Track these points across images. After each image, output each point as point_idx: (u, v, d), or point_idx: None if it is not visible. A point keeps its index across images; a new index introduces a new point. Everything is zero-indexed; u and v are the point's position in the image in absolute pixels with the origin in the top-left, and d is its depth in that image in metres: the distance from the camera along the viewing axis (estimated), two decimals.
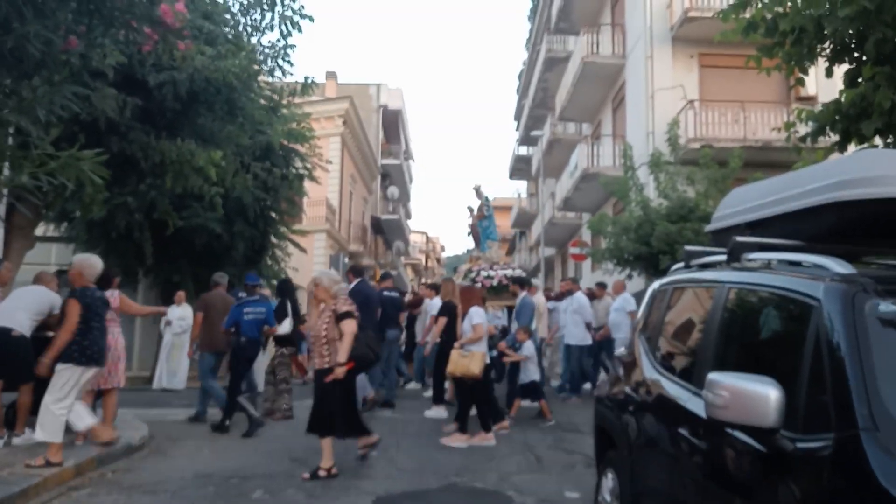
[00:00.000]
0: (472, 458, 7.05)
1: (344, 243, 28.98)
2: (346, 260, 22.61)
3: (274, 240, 14.88)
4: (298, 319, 9.49)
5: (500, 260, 14.78)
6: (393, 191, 39.73)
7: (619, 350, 4.82)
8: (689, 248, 4.18)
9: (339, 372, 6.12)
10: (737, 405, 2.31)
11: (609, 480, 4.12)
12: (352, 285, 9.73)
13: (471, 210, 14.91)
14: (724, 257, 3.48)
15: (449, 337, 8.92)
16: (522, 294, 10.87)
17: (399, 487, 5.90)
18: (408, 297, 13.29)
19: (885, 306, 2.28)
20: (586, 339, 11.13)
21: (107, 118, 7.83)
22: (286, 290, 9.57)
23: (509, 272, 13.89)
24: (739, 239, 3.29)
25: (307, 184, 15.29)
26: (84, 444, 6.72)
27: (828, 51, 6.70)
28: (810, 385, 2.31)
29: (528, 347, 9.17)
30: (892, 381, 2.10)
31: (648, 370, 3.86)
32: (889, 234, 3.12)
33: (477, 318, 8.08)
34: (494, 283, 13.61)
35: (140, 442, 7.32)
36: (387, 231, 41.42)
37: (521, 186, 46.91)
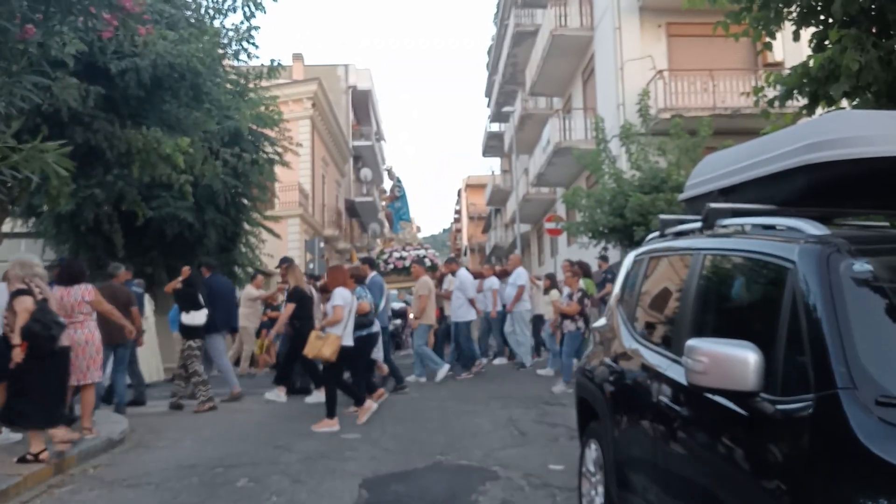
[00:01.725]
0: (456, 436, 7.08)
1: (318, 228, 28.80)
2: (322, 244, 22.45)
3: (247, 227, 14.72)
4: (225, 311, 9.44)
5: (412, 241, 14.90)
6: (366, 173, 39.47)
7: (598, 322, 4.84)
8: (663, 217, 4.19)
9: (16, 353, 5.78)
10: (716, 370, 2.32)
11: (592, 451, 4.15)
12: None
13: (383, 192, 15.05)
14: (698, 225, 3.49)
15: (301, 323, 9.15)
16: (461, 271, 12.07)
17: (385, 468, 5.91)
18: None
19: (860, 266, 2.29)
20: (469, 315, 11.64)
21: (69, 108, 7.65)
22: (195, 281, 9.34)
23: (422, 252, 14.07)
24: (713, 206, 3.30)
25: (278, 169, 15.12)
26: None
27: (794, 14, 6.71)
28: (788, 347, 2.32)
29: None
30: (869, 340, 2.12)
31: (627, 340, 3.88)
32: (860, 195, 3.14)
33: (338, 300, 7.80)
34: (407, 263, 13.78)
35: (120, 436, 7.24)
36: (362, 214, 41.20)
37: (495, 163, 46.84)
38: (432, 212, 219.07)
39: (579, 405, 4.61)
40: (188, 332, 9.05)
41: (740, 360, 2.26)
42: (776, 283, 2.52)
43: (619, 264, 5.53)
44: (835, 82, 6.01)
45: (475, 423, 7.69)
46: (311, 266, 18.62)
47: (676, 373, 2.89)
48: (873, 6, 6.00)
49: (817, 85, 6.36)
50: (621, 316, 4.13)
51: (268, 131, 14.32)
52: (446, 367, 11.21)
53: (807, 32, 6.75)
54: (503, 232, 42.31)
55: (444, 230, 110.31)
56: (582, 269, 12.24)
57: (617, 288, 4.48)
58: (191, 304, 9.01)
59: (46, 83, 7.14)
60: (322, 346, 7.64)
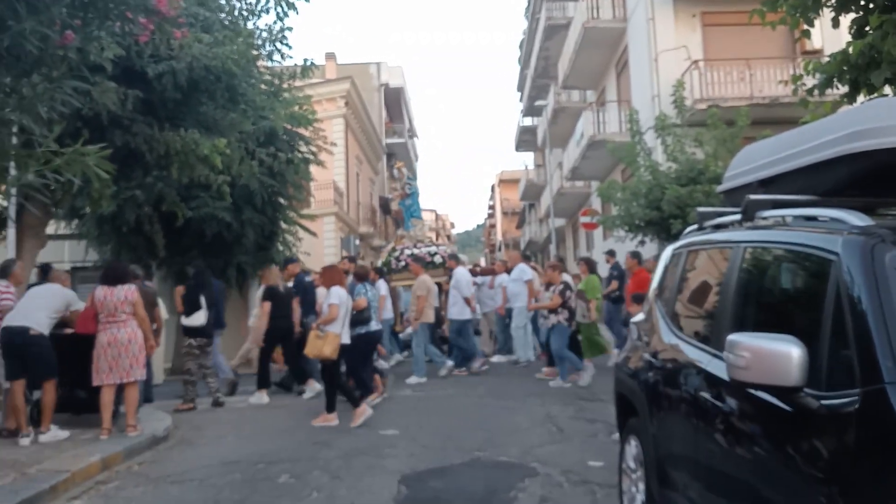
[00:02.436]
0: (494, 433, 7.08)
1: (353, 225, 28.97)
2: (357, 242, 22.60)
3: (283, 225, 14.86)
4: (216, 311, 9.44)
5: (424, 237, 14.81)
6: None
7: (636, 316, 4.79)
8: (701, 209, 4.13)
9: None
10: (758, 365, 2.28)
11: (632, 447, 4.11)
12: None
13: (394, 189, 14.94)
14: (737, 217, 3.44)
15: (275, 321, 9.34)
16: (458, 268, 12.06)
17: (423, 465, 5.93)
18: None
19: None
20: (464, 313, 11.55)
21: (109, 112, 7.80)
22: (200, 281, 9.47)
23: (433, 249, 13.99)
24: (752, 197, 3.24)
25: (313, 167, 15.23)
26: (109, 438, 6.80)
27: (833, 1, 6.57)
28: (832, 341, 2.28)
29: None
30: None
31: (667, 335, 3.84)
32: None
33: (333, 298, 7.90)
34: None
35: (164, 433, 7.39)
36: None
37: (528, 158, 46.65)
38: (466, 208, 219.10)
39: (618, 401, 4.58)
40: (188, 331, 9.19)
41: (783, 354, 2.22)
42: (819, 276, 2.47)
43: (656, 258, 5.47)
44: (876, 69, 5.88)
45: (513, 420, 7.68)
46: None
47: (717, 368, 2.85)
48: None
49: (858, 72, 6.22)
50: (660, 311, 4.09)
51: (302, 130, 14.43)
52: (450, 363, 11.18)
53: (846, 19, 6.60)
54: (538, 227, 42.13)
55: (479, 226, 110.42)
56: (588, 266, 12.15)
57: (655, 282, 4.43)
58: (191, 306, 9.16)
59: (86, 88, 7.28)
60: (322, 345, 7.74)
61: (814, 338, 2.31)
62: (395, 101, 40.83)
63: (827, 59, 6.73)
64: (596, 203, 22.94)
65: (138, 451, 6.69)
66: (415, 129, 49.37)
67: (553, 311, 9.99)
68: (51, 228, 10.29)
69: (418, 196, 15.93)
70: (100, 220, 11.88)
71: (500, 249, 64.59)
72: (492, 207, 77.99)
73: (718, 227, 3.75)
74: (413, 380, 10.65)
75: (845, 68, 6.35)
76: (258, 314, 11.52)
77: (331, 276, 8.38)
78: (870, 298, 2.18)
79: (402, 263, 14.03)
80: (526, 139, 41.79)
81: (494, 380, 10.75)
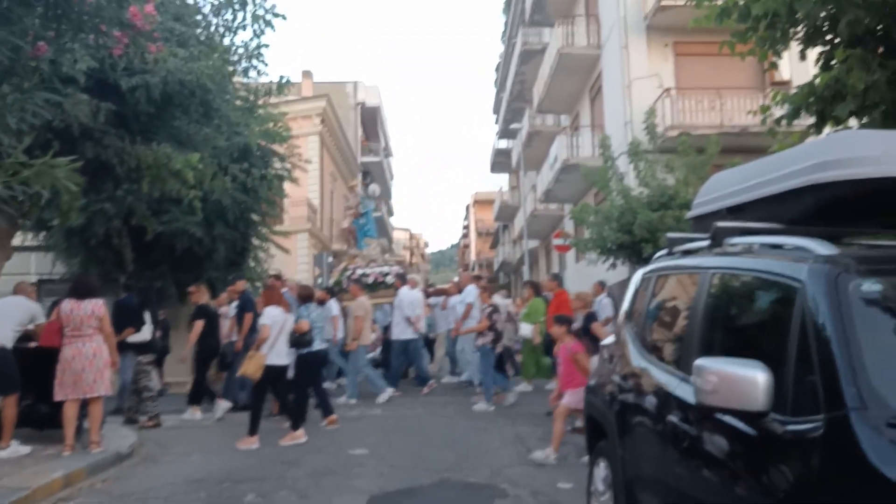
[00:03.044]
0: (463, 453, 7.06)
1: (327, 242, 28.87)
2: (331, 259, 22.49)
3: (256, 241, 14.75)
4: (160, 326, 9.39)
5: (377, 257, 14.79)
6: (374, 188, 39.39)
7: (606, 339, 4.83)
8: (671, 235, 4.20)
9: None
10: (725, 390, 2.32)
11: (601, 469, 4.14)
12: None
13: (348, 209, 14.85)
14: (706, 243, 3.50)
15: (206, 340, 9.48)
16: (402, 288, 12.08)
17: (392, 485, 5.90)
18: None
19: (869, 285, 2.30)
20: (406, 333, 11.59)
21: (80, 124, 7.71)
22: (145, 299, 9.55)
23: (386, 269, 13.99)
24: (721, 224, 3.31)
25: (287, 184, 15.18)
26: (72, 455, 6.66)
27: (801, 34, 6.74)
28: (798, 367, 2.32)
29: None
30: (879, 360, 2.12)
31: (636, 358, 3.87)
32: (869, 214, 3.15)
33: (266, 319, 7.94)
34: (370, 280, 13.71)
35: (129, 450, 7.25)
36: None
37: (503, 180, 46.93)
38: (441, 227, 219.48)
39: (588, 423, 4.60)
40: (138, 348, 9.06)
41: (749, 379, 2.26)
42: (785, 303, 2.53)
43: (626, 282, 5.52)
44: (841, 101, 6.03)
45: (483, 440, 7.67)
46: (319, 280, 18.59)
47: (685, 392, 2.89)
48: (879, 27, 6.03)
49: (824, 104, 6.38)
50: (630, 334, 4.13)
51: (277, 147, 14.39)
52: (389, 390, 10.98)
53: (813, 52, 6.77)
54: (511, 248, 42.30)
55: (453, 246, 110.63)
56: (533, 289, 12.23)
57: (625, 306, 4.48)
58: (137, 322, 9.10)
59: (58, 99, 7.21)
60: (248, 364, 7.75)
61: (779, 363, 2.36)
62: (371, 119, 40.91)
63: (795, 90, 6.89)
64: (569, 226, 23.11)
65: (102, 468, 6.55)
66: (390, 147, 49.50)
67: (480, 333, 10.01)
68: (17, 240, 10.10)
69: (372, 215, 15.88)
70: (68, 232, 11.68)
71: (473, 270, 64.70)
72: (466, 227, 78.20)
73: (687, 253, 3.80)
74: (343, 400, 10.62)
75: (812, 100, 6.51)
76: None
77: (268, 296, 8.41)
78: (834, 326, 2.23)
79: (371, 281, 13.94)
80: (501, 161, 42.06)
81: (464, 399, 10.73)
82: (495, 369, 10.11)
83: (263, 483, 6.03)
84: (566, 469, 6.32)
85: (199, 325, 9.50)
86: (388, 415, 9.59)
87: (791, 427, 2.23)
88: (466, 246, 77.36)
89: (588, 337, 8.75)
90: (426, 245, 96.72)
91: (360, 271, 13.86)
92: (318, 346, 8.83)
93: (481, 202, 64.96)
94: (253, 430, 7.71)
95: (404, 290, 12.12)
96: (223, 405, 9.59)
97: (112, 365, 7.30)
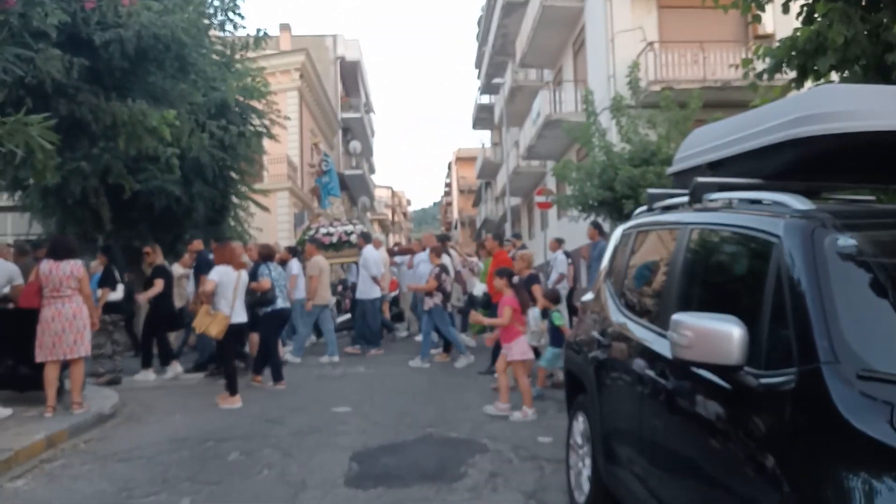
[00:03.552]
0: (445, 410, 7.13)
1: (308, 200, 28.65)
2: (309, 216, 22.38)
3: (235, 200, 14.63)
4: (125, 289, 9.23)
5: (341, 216, 14.71)
6: (355, 145, 39.20)
7: (585, 296, 4.86)
8: (651, 191, 4.20)
9: None
10: (701, 344, 2.34)
11: (580, 423, 4.19)
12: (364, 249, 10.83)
13: (311, 167, 14.60)
14: (685, 199, 3.50)
15: (160, 301, 9.44)
16: (366, 247, 11.93)
17: (375, 441, 5.95)
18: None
19: (844, 240, 2.31)
20: (372, 293, 11.53)
21: (53, 80, 7.54)
22: (110, 255, 9.23)
23: (350, 228, 13.94)
24: (700, 180, 3.31)
25: (266, 141, 15.00)
26: (54, 416, 6.65)
27: None
28: (772, 321, 2.34)
29: None
30: (852, 315, 2.14)
31: (615, 314, 3.90)
32: (847, 169, 3.16)
33: (212, 275, 7.84)
34: (334, 239, 13.67)
35: (111, 410, 7.25)
36: (351, 187, 40.98)
37: (485, 136, 46.68)
38: (423, 185, 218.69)
39: (567, 378, 4.65)
40: (108, 307, 8.86)
41: (724, 334, 2.28)
42: (761, 258, 2.54)
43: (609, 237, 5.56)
44: (822, 55, 6.00)
45: (464, 397, 7.75)
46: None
47: (662, 346, 2.91)
48: None
49: (805, 58, 6.33)
50: (609, 290, 4.15)
51: (255, 103, 14.18)
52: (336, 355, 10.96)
53: (796, 5, 6.71)
54: (493, 205, 42.29)
55: (435, 204, 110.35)
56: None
57: (605, 261, 4.50)
58: (110, 282, 8.94)
59: (29, 55, 7.03)
60: (210, 322, 7.67)
61: (755, 318, 2.38)
62: (351, 74, 40.37)
63: (777, 44, 6.85)
64: (551, 183, 23.07)
65: (84, 429, 6.56)
66: (371, 104, 48.92)
67: (429, 293, 10.02)
68: None
69: (336, 173, 15.74)
70: (44, 191, 11.52)
71: (456, 227, 64.69)
72: (448, 185, 78.00)
73: (667, 209, 3.81)
74: (325, 359, 10.70)
75: (793, 54, 6.47)
76: (178, 293, 11.16)
77: (220, 254, 8.27)
78: (809, 281, 2.25)
79: (335, 240, 13.84)
80: (483, 117, 41.76)
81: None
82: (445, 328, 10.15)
83: (247, 441, 6.07)
84: (545, 423, 6.42)
85: (160, 283, 9.40)
86: (371, 373, 9.66)
87: (764, 380, 2.26)
88: (449, 204, 77.27)
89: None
90: (408, 203, 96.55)
91: (323, 230, 13.78)
92: (280, 304, 8.88)
93: (463, 159, 64.68)
94: (232, 389, 7.72)
95: (368, 249, 12.00)
96: (176, 367, 9.60)
97: (92, 326, 7.25)
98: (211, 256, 10.37)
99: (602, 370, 3.88)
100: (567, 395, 4.67)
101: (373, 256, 11.78)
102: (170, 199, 11.73)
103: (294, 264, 11.15)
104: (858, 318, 2.15)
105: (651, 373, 3.07)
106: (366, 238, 13.14)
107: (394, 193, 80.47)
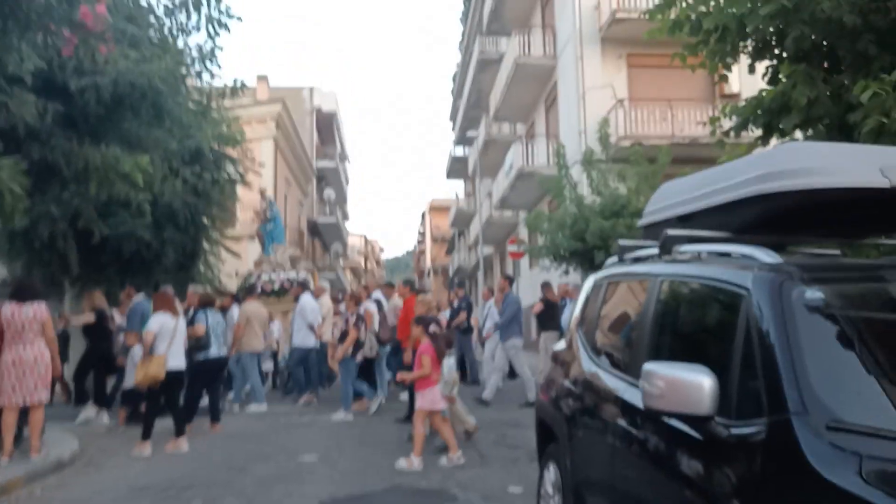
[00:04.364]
0: None
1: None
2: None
3: (206, 246, 14.52)
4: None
5: (285, 263, 14.64)
6: (329, 193, 39.30)
7: (557, 344, 4.87)
8: (622, 242, 4.25)
9: None
10: (672, 394, 2.35)
11: (551, 473, 4.16)
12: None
13: (256, 214, 14.52)
14: (656, 250, 3.55)
15: (99, 343, 9.60)
16: (303, 295, 11.70)
17: (343, 491, 5.84)
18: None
19: (812, 293, 2.35)
20: (307, 341, 11.34)
21: (26, 125, 7.50)
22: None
23: (292, 275, 13.84)
24: (670, 232, 3.36)
25: (240, 188, 14.97)
26: (10, 462, 6.44)
27: (750, 48, 6.91)
28: (742, 372, 2.37)
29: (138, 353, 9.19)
30: (821, 366, 2.17)
31: (586, 363, 3.91)
32: (813, 224, 3.23)
33: (150, 325, 7.90)
34: (276, 286, 13.56)
35: (71, 457, 7.04)
36: (324, 234, 40.95)
37: (459, 186, 47.06)
38: (396, 233, 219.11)
39: (539, 427, 4.62)
40: None
41: (695, 384, 2.29)
42: (731, 309, 2.57)
43: (579, 288, 5.59)
44: (787, 114, 6.19)
45: (434, 445, 7.64)
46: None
47: (634, 396, 2.92)
48: (825, 42, 6.21)
49: (771, 116, 6.54)
50: (580, 339, 4.16)
51: (230, 151, 14.20)
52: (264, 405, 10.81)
53: (762, 66, 6.96)
54: (466, 254, 42.42)
55: (408, 252, 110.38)
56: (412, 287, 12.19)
57: (577, 311, 4.52)
58: None
59: (3, 99, 7.00)
60: (148, 367, 7.65)
61: (725, 368, 2.40)
62: (327, 125, 40.66)
63: (743, 102, 7.07)
64: (523, 232, 23.27)
65: (41, 475, 6.36)
66: (346, 153, 49.22)
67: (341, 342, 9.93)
68: None
69: (280, 221, 15.66)
70: (11, 234, 11.31)
71: (429, 275, 64.67)
72: (422, 234, 78.19)
73: (638, 260, 3.86)
74: (254, 407, 10.57)
75: (759, 112, 6.67)
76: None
77: (157, 301, 8.32)
78: (777, 333, 2.28)
79: (259, 290, 13.67)
80: (457, 168, 42.20)
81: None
82: (359, 377, 10.04)
83: (210, 489, 5.92)
84: (517, 472, 6.35)
85: (89, 316, 9.44)
86: (338, 421, 9.51)
87: (735, 430, 2.27)
88: (422, 252, 77.35)
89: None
90: (381, 251, 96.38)
91: (264, 276, 13.64)
92: (214, 352, 8.83)
93: (437, 209, 65.05)
94: (145, 434, 7.63)
95: (305, 298, 11.78)
96: (90, 411, 9.44)
97: (53, 371, 7.09)
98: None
99: (573, 419, 3.87)
100: (538, 445, 4.63)
101: (310, 305, 11.57)
102: (140, 244, 11.59)
103: (235, 312, 11.01)
104: (826, 369, 2.18)
105: (622, 422, 3.07)
106: (303, 286, 12.88)
107: (367, 241, 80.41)
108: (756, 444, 2.17)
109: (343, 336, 9.90)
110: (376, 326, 10.32)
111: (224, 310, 10.64)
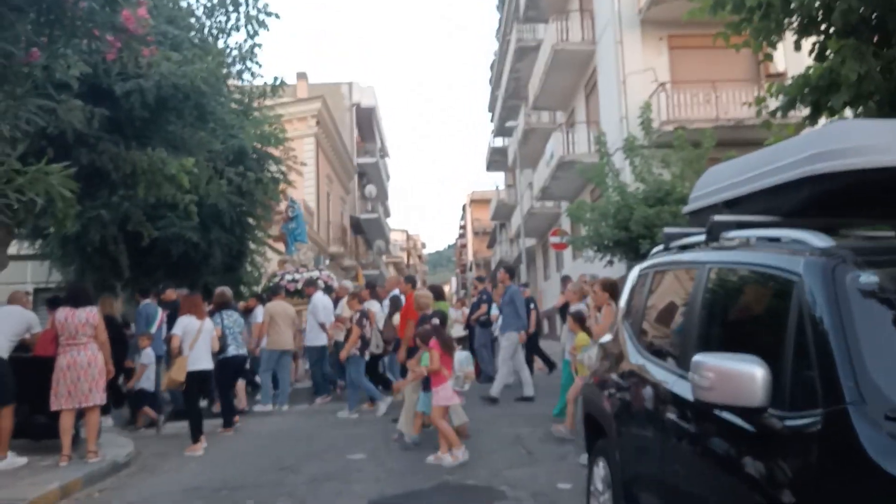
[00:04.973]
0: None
1: (323, 245, 28.82)
2: (327, 262, 22.47)
3: (252, 245, 14.72)
4: None
5: (308, 263, 14.56)
6: (370, 189, 39.57)
7: (604, 337, 4.80)
8: (667, 230, 4.16)
9: None
10: (723, 386, 2.28)
11: (600, 469, 4.10)
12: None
13: (279, 213, 14.40)
14: (702, 237, 3.46)
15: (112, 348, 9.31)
16: (315, 294, 11.63)
17: (391, 490, 5.86)
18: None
19: (866, 277, 2.26)
20: (318, 340, 11.27)
21: (74, 130, 7.66)
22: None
23: (315, 274, 13.74)
24: (717, 218, 3.27)
25: (283, 187, 15.14)
26: (69, 465, 6.62)
27: (795, 24, 6.69)
28: (795, 361, 2.29)
29: (148, 355, 9.50)
30: (877, 353, 2.08)
31: (634, 356, 3.84)
32: (865, 205, 3.11)
33: (175, 329, 8.15)
34: (299, 286, 13.48)
35: (126, 459, 7.21)
36: (367, 230, 41.26)
37: (499, 178, 46.93)
38: (437, 228, 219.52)
39: (587, 422, 4.56)
40: None
41: (747, 375, 2.22)
42: (782, 297, 2.49)
43: (624, 278, 5.49)
44: (836, 92, 5.99)
45: (481, 442, 7.62)
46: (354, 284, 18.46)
47: (683, 388, 2.85)
48: (874, 15, 5.98)
49: (819, 94, 6.33)
50: (627, 331, 4.09)
51: (272, 150, 14.35)
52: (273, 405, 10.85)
53: (808, 42, 6.73)
54: (508, 247, 42.28)
55: (450, 246, 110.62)
56: (434, 291, 12.04)
57: (622, 302, 4.44)
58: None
59: (51, 106, 7.16)
60: (170, 372, 7.99)
61: (777, 358, 2.32)
62: (366, 120, 40.90)
63: (790, 81, 6.86)
64: (565, 223, 23.08)
65: (99, 478, 6.52)
66: (386, 148, 49.46)
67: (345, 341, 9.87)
68: (13, 248, 10.07)
69: (303, 220, 15.64)
70: (63, 239, 11.63)
71: (471, 269, 64.67)
72: (463, 227, 78.20)
73: (684, 248, 3.76)
74: (259, 407, 10.61)
75: (806, 91, 6.46)
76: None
77: (185, 305, 8.56)
78: (831, 319, 2.20)
79: (283, 289, 13.70)
80: (497, 159, 42.04)
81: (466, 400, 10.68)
82: (367, 377, 10.00)
83: (261, 490, 5.99)
84: (565, 469, 6.29)
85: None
86: (386, 419, 9.54)
87: (789, 422, 2.20)
88: (464, 246, 77.36)
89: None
90: (423, 246, 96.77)
91: (288, 277, 13.67)
92: (232, 352, 8.98)
93: (478, 201, 64.97)
94: (195, 437, 7.83)
95: (318, 296, 11.75)
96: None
97: (107, 374, 7.26)
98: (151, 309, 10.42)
99: (621, 414, 3.80)
100: (586, 440, 4.57)
101: (321, 303, 11.55)
102: (187, 246, 11.80)
103: (259, 312, 11.08)
104: (884, 356, 2.09)
105: (672, 416, 3.01)
106: (313, 285, 12.78)
107: (409, 236, 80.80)
108: (811, 436, 2.09)
109: (348, 335, 9.94)
110: (381, 325, 10.32)
111: (249, 311, 10.75)
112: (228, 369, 9.10)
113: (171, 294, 10.69)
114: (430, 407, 7.16)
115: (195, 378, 8.01)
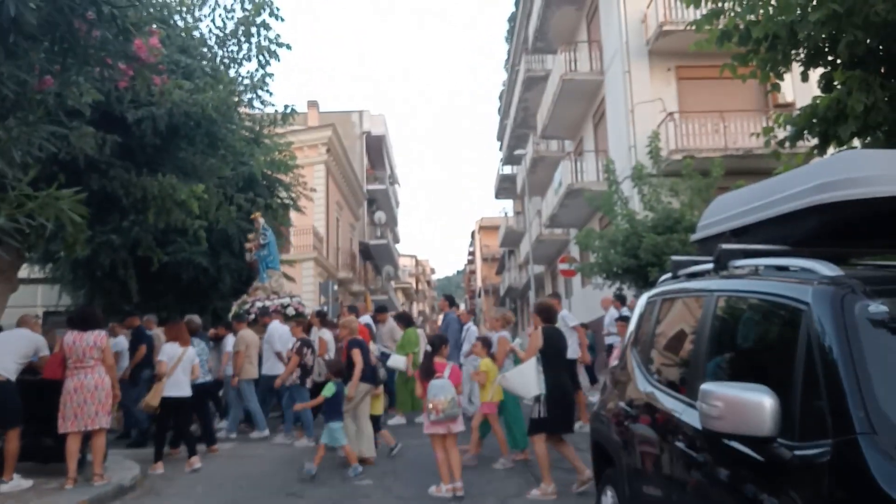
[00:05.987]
0: (469, 482, 6.94)
1: (333, 271, 28.88)
2: (336, 287, 22.48)
3: None
4: None
5: (280, 290, 14.44)
6: (380, 216, 39.72)
7: (612, 363, 4.78)
8: (675, 258, 4.16)
9: None
10: (732, 415, 2.27)
11: (608, 498, 4.06)
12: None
13: (248, 240, 14.24)
14: (710, 266, 3.46)
15: None
16: (272, 323, 11.21)
17: None
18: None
19: (875, 307, 2.26)
20: (275, 369, 10.77)
21: (86, 156, 7.77)
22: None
23: (286, 301, 13.60)
24: (725, 247, 3.28)
25: (293, 213, 15.24)
26: (74, 488, 6.60)
27: (802, 56, 6.74)
28: (804, 391, 2.28)
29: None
30: (887, 383, 2.07)
31: (642, 383, 3.82)
32: (873, 235, 3.11)
33: (161, 355, 8.34)
34: (289, 311, 13.36)
35: (132, 482, 7.18)
36: (375, 256, 41.35)
37: (508, 205, 47.01)
38: (447, 254, 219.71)
39: (594, 450, 4.53)
40: None
41: (756, 404, 2.21)
42: (791, 326, 2.49)
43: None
44: (843, 122, 6.01)
45: (489, 469, 7.56)
46: (324, 308, 18.55)
47: (691, 417, 2.83)
48: (880, 47, 6.02)
49: (826, 125, 6.36)
50: (635, 359, 4.08)
51: (282, 176, 14.47)
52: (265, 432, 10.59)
53: (815, 73, 6.77)
54: (517, 273, 42.23)
55: (458, 272, 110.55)
56: (404, 321, 11.88)
57: (630, 330, 4.43)
58: None
59: (63, 132, 7.26)
60: (148, 397, 8.13)
61: (786, 387, 2.31)
62: (376, 148, 41.18)
63: (797, 112, 6.89)
64: (574, 250, 23.05)
65: (104, 502, 6.49)
66: (396, 175, 49.71)
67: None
68: (24, 272, 10.15)
69: (275, 246, 15.50)
70: (74, 264, 11.74)
71: (479, 296, 64.57)
72: (472, 254, 78.25)
73: (692, 276, 3.77)
74: (255, 434, 10.46)
75: (814, 121, 6.49)
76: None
77: (168, 332, 8.72)
78: (840, 348, 2.19)
79: (252, 317, 13.53)
80: (505, 187, 42.16)
81: (467, 424, 10.60)
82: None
83: None
84: (574, 497, 6.23)
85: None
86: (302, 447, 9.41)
87: (799, 452, 2.18)
88: (472, 272, 77.34)
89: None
90: (432, 272, 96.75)
91: (259, 304, 13.56)
92: (199, 379, 8.95)
93: (486, 228, 65.06)
94: (157, 457, 8.01)
95: (274, 325, 11.29)
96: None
97: (114, 398, 7.27)
98: (148, 332, 10.43)
99: (629, 442, 3.78)
100: (594, 468, 4.54)
101: (278, 332, 11.15)
102: (197, 271, 11.89)
103: (229, 340, 10.96)
104: (893, 386, 2.09)
105: (680, 444, 2.99)
106: (265, 314, 12.41)
107: (418, 262, 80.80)
108: (821, 467, 2.07)
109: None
110: (331, 354, 10.13)
111: (218, 338, 10.73)
112: (196, 395, 8.94)
113: (134, 321, 10.61)
114: (332, 439, 7.48)
115: (170, 404, 8.08)
